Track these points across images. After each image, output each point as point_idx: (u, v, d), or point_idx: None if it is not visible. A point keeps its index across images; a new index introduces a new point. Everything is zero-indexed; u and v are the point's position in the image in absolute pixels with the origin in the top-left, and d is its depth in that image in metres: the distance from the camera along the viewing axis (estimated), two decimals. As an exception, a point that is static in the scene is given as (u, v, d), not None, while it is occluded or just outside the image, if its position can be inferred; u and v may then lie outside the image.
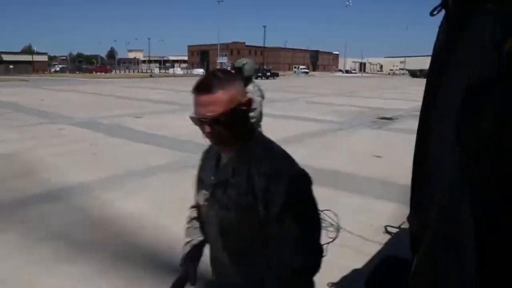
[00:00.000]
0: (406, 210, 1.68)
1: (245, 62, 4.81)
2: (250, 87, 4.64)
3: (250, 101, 1.22)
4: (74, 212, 4.49)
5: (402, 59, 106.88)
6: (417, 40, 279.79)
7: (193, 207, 1.56)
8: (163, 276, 3.04)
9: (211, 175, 1.32)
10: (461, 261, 0.97)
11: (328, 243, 3.71)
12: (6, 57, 63.20)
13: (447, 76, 1.38)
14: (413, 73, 73.09)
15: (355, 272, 3.21)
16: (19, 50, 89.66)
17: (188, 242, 1.49)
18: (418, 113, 1.65)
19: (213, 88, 1.14)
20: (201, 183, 1.39)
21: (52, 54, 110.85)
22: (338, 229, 3.98)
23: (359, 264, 3.32)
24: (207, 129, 1.17)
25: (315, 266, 1.22)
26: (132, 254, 3.52)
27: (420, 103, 1.75)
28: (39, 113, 13.06)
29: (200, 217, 1.46)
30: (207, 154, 1.42)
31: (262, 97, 4.74)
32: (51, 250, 3.56)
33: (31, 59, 68.70)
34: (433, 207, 1.10)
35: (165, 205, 4.69)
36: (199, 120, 1.17)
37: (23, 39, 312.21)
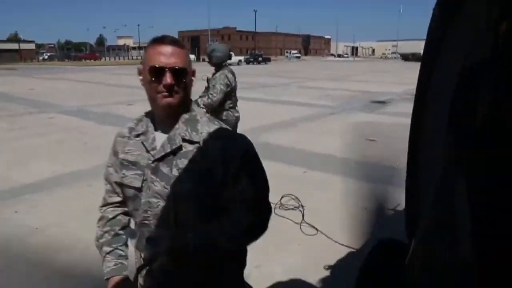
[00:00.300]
0: (400, 193, 1.68)
1: (213, 48, 4.55)
2: (217, 74, 4.40)
3: (194, 72, 1.27)
4: (67, 200, 4.47)
5: (394, 43, 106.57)
6: (410, 23, 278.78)
7: (106, 205, 1.40)
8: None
9: (146, 154, 1.24)
10: (456, 245, 0.97)
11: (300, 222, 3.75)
12: (-9, 46, 61.98)
13: (442, 58, 1.37)
14: (405, 57, 72.95)
15: (350, 254, 3.25)
16: (4, 38, 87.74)
17: (110, 252, 1.34)
18: (411, 96, 1.65)
19: (180, 43, 1.20)
20: (127, 167, 1.28)
21: (39, 42, 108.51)
22: (302, 211, 4.07)
23: (354, 247, 3.36)
24: (170, 79, 1.15)
25: (264, 225, 1.26)
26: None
27: (413, 87, 1.74)
28: (28, 102, 12.87)
29: (132, 203, 1.29)
30: (128, 136, 1.32)
31: (227, 85, 4.36)
32: (44, 239, 3.55)
33: (18, 48, 67.32)
34: (428, 190, 1.10)
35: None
36: (165, 70, 1.15)
37: (9, 26, 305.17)
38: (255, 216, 1.22)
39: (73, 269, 3.07)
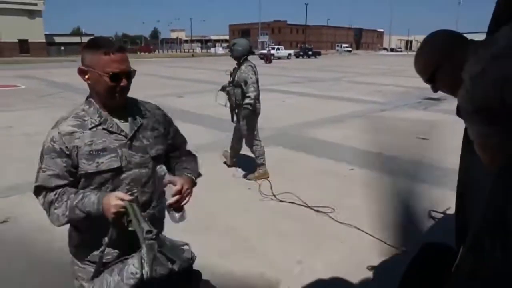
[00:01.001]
0: (450, 195, 1.61)
1: (234, 42, 4.87)
2: (242, 67, 4.71)
3: (135, 72, 1.56)
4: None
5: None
6: (470, 16, 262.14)
7: (58, 186, 1.46)
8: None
9: (112, 137, 1.47)
10: (508, 251, 0.92)
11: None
12: (57, 39, 65.96)
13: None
14: (464, 51, 68.87)
15: (395, 256, 3.16)
16: (69, 32, 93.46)
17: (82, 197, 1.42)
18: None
19: (124, 48, 1.46)
20: (99, 155, 1.44)
21: (99, 35, 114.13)
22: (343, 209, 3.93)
23: (400, 248, 3.26)
24: (125, 82, 1.45)
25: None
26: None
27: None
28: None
29: (112, 183, 1.48)
30: (79, 131, 1.45)
31: (256, 80, 4.68)
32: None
33: (79, 41, 71.44)
34: (480, 196, 1.05)
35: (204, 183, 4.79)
36: (122, 75, 1.43)
37: (74, 22, 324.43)
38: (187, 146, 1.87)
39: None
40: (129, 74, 1.47)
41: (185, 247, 1.45)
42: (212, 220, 3.80)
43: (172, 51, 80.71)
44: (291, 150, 6.35)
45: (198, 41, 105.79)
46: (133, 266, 1.29)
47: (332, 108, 10.59)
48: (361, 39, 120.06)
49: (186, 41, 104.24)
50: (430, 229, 3.68)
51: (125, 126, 1.51)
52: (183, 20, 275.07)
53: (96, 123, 1.47)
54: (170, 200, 1.50)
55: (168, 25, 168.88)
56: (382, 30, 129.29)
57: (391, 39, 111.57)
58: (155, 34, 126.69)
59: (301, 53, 53.09)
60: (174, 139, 1.74)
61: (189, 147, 1.87)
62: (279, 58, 46.46)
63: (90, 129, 1.45)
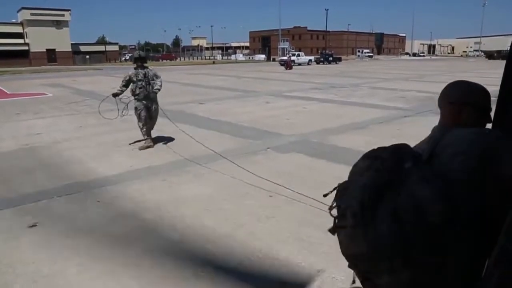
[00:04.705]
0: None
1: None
2: None
3: None
4: (143, 193, 4.80)
5: (477, 39, 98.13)
6: (495, 19, 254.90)
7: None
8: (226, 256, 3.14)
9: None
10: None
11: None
12: (83, 48, 67.94)
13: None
14: (489, 55, 67.06)
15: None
16: (94, 41, 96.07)
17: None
18: (495, 99, 1.52)
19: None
20: None
21: (122, 44, 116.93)
22: None
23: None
24: None
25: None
26: (198, 231, 3.70)
27: (498, 88, 1.61)
28: (111, 100, 13.94)
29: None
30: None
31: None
32: (122, 229, 3.85)
33: (104, 49, 73.26)
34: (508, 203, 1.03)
35: (225, 190, 4.83)
36: None
37: (99, 31, 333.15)
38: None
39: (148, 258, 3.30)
40: None
41: None
42: (233, 226, 3.82)
43: (193, 58, 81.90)
44: (312, 157, 6.32)
45: (219, 48, 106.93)
46: None
47: (354, 114, 10.49)
48: (383, 44, 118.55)
49: (207, 48, 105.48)
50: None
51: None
52: (204, 27, 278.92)
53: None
54: None
55: (189, 33, 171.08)
56: (404, 34, 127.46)
57: (413, 43, 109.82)
58: (176, 42, 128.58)
59: (322, 59, 52.88)
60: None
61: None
62: (299, 64, 46.40)
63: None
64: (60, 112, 11.63)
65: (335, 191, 1.36)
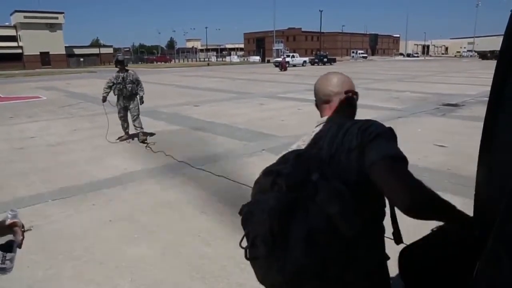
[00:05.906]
0: (470, 204, 1.59)
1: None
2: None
3: None
4: (138, 195, 4.79)
5: (470, 39, 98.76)
6: (488, 19, 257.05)
7: None
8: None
9: None
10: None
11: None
12: (77, 51, 67.66)
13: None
14: (483, 55, 67.54)
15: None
16: (88, 44, 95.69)
17: None
18: (487, 98, 1.54)
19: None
20: None
21: (116, 46, 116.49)
22: None
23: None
24: None
25: None
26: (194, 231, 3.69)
27: (490, 88, 1.63)
28: (106, 103, 13.89)
29: None
30: None
31: None
32: (116, 232, 3.84)
33: (98, 52, 73.01)
34: (497, 204, 1.04)
35: (220, 192, 4.83)
36: None
37: (93, 34, 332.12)
38: None
39: (142, 261, 3.29)
40: None
41: None
42: (232, 227, 3.83)
43: (188, 60, 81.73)
44: (307, 158, 6.32)
45: (213, 50, 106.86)
46: None
47: (348, 115, 10.50)
48: (377, 44, 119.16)
49: (201, 50, 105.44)
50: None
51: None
52: (198, 29, 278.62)
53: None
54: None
55: (184, 35, 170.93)
56: (398, 35, 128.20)
57: (407, 44, 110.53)
58: (171, 44, 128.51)
59: (316, 60, 53.03)
60: None
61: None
62: (294, 65, 46.50)
63: None
64: (54, 115, 11.57)
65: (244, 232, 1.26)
